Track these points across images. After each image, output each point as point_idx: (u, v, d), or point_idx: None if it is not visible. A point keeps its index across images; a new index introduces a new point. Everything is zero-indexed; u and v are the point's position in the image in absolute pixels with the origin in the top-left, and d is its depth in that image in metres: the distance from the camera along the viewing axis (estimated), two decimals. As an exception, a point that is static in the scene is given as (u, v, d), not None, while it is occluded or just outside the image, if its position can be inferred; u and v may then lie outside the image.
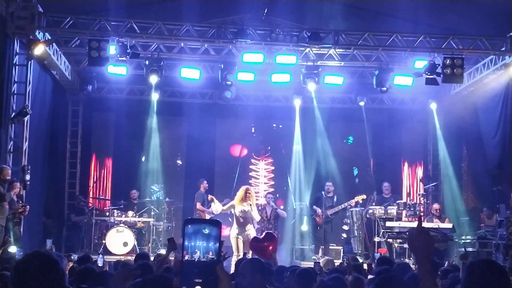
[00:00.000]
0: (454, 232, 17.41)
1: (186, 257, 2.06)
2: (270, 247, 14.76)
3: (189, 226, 2.10)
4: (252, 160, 21.84)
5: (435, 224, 17.51)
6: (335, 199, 18.70)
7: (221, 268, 2.06)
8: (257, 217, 15.54)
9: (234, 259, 13.97)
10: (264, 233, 15.40)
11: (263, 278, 6.05)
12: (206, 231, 2.08)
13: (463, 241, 17.33)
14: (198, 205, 18.36)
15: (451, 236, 17.09)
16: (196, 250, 2.06)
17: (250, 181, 20.74)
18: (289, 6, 18.00)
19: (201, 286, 2.02)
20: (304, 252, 18.80)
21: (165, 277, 3.25)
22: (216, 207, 15.82)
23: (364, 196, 18.63)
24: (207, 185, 19.04)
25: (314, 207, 18.76)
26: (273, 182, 21.71)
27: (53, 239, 17.29)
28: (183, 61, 18.37)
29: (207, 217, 18.05)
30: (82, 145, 20.74)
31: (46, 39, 16.18)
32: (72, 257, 13.06)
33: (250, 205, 15.21)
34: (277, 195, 20.50)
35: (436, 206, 18.56)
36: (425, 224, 17.34)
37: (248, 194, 15.27)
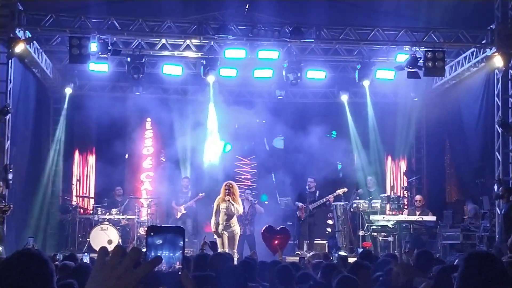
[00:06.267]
0: (438, 225, 17.49)
1: None
2: (278, 241, 15.04)
3: (152, 234, 2.09)
4: (236, 156, 21.77)
5: (419, 217, 17.58)
6: (317, 194, 18.64)
7: (185, 275, 2.06)
8: (239, 210, 15.52)
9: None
10: (280, 227, 16.07)
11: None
12: (171, 240, 2.08)
13: (446, 233, 17.39)
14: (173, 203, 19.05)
15: (435, 229, 17.17)
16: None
17: (236, 178, 20.63)
18: (270, 1, 17.97)
19: None
20: (288, 247, 18.78)
21: None
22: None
23: (345, 189, 18.61)
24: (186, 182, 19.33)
25: (297, 202, 18.73)
26: (256, 178, 21.65)
27: (37, 238, 17.20)
28: (165, 58, 18.34)
29: (178, 214, 18.29)
30: (65, 143, 20.54)
31: (27, 37, 16.08)
32: (58, 257, 12.93)
33: (229, 200, 15.19)
34: (261, 191, 20.52)
35: (418, 197, 18.59)
36: (408, 217, 17.49)
37: (228, 190, 15.29)
